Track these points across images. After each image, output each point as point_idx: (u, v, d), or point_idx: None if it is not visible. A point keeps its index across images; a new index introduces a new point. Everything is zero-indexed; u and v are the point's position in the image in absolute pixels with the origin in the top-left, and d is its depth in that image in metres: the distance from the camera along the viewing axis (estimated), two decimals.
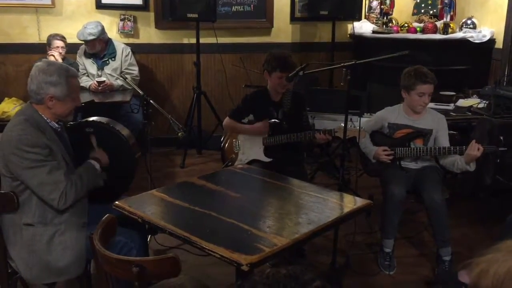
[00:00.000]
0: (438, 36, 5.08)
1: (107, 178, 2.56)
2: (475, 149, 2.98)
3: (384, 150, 3.28)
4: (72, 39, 4.82)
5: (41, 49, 4.75)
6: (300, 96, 3.49)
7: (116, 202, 2.30)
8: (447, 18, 5.25)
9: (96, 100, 4.30)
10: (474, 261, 0.88)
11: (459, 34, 5.03)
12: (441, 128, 3.30)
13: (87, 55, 4.81)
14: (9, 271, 2.40)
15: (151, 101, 3.31)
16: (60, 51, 4.67)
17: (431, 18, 5.37)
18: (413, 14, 5.56)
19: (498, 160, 3.36)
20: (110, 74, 4.79)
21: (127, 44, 5.02)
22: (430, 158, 3.34)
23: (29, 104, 2.39)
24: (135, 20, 5.31)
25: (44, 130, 2.32)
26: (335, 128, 3.11)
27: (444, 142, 3.26)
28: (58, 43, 4.68)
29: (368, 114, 3.99)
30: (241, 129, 3.49)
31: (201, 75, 5.16)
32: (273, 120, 3.38)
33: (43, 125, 2.33)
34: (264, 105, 3.42)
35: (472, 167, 3.10)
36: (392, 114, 3.37)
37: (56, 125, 2.42)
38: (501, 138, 3.17)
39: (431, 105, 3.75)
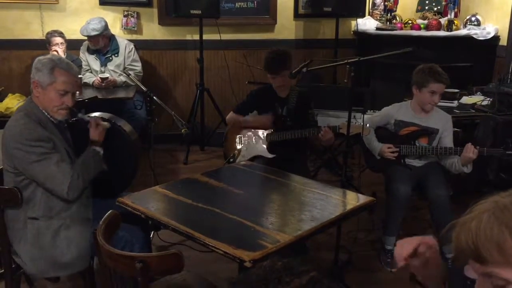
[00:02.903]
0: (442, 33, 5.06)
1: (109, 174, 2.56)
2: (470, 151, 2.98)
3: (389, 148, 3.27)
4: (75, 35, 4.82)
5: (45, 45, 4.75)
6: (307, 95, 3.50)
7: (120, 198, 2.31)
8: (451, 15, 5.23)
9: (99, 96, 4.31)
10: (451, 227, 1.03)
11: (463, 31, 5.01)
12: (447, 129, 3.28)
13: (90, 51, 4.81)
14: (13, 266, 2.41)
15: (154, 97, 3.31)
16: (60, 47, 4.68)
17: (435, 15, 5.35)
18: (417, 11, 5.55)
19: (504, 162, 3.35)
20: (113, 70, 4.79)
21: (130, 40, 5.02)
22: (434, 156, 3.33)
23: (30, 99, 2.39)
24: (138, 17, 5.31)
25: (45, 125, 2.32)
26: (339, 124, 3.11)
27: (448, 142, 3.25)
28: (57, 39, 4.68)
29: (372, 111, 3.98)
30: (244, 122, 3.49)
31: (204, 71, 5.16)
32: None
33: (44, 120, 2.34)
34: (270, 101, 3.43)
35: (468, 169, 3.10)
36: (399, 111, 3.35)
37: (57, 120, 2.42)
38: (509, 141, 3.15)
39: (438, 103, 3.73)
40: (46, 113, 2.36)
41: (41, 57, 2.41)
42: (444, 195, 3.04)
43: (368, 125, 3.12)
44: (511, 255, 0.86)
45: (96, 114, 2.88)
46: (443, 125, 3.29)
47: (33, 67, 2.35)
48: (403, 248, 1.25)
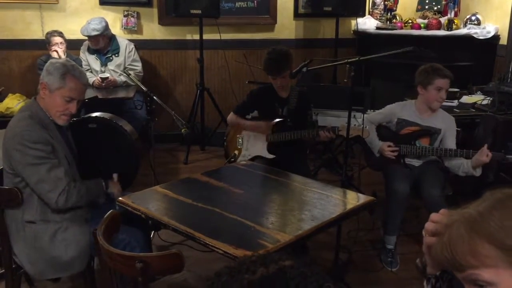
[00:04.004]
0: (442, 32, 5.06)
1: (109, 174, 2.56)
2: (484, 154, 2.94)
3: (389, 146, 3.27)
4: (76, 35, 4.83)
5: (45, 45, 4.76)
6: (306, 95, 3.50)
7: (120, 198, 2.31)
8: (451, 14, 5.23)
9: (99, 96, 4.31)
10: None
11: (463, 31, 5.01)
12: (449, 129, 3.27)
13: (91, 51, 4.81)
14: (13, 266, 2.41)
15: (154, 97, 3.31)
16: (60, 47, 4.68)
17: (435, 14, 5.35)
18: (417, 10, 5.54)
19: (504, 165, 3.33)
20: (113, 70, 4.79)
21: (130, 40, 5.02)
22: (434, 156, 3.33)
23: (34, 100, 2.39)
24: (138, 16, 5.31)
25: (47, 127, 2.32)
26: (339, 126, 3.11)
27: (451, 143, 3.24)
28: (57, 39, 4.69)
29: (372, 110, 3.98)
30: (244, 125, 3.50)
31: (204, 71, 5.16)
32: (277, 120, 3.39)
33: (47, 122, 2.34)
34: (270, 101, 3.43)
35: (478, 172, 3.07)
36: (403, 110, 3.35)
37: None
38: (510, 144, 3.15)
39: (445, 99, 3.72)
40: (48, 115, 2.36)
41: (53, 60, 2.42)
42: (438, 195, 3.03)
43: (367, 127, 3.11)
44: (485, 256, 0.91)
45: (97, 114, 2.88)
46: (446, 126, 3.27)
47: (45, 69, 2.35)
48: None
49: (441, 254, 0.97)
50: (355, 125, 3.03)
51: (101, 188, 2.48)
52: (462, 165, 3.12)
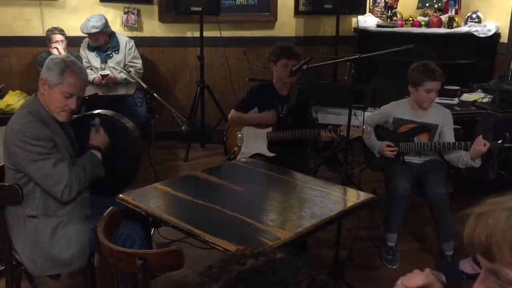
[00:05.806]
0: (442, 30, 5.06)
1: (110, 171, 2.56)
2: (481, 144, 2.96)
3: (388, 146, 3.27)
4: (76, 32, 4.82)
5: (45, 42, 4.75)
6: (306, 93, 3.49)
7: (120, 195, 2.31)
8: (452, 12, 5.22)
9: (99, 94, 4.31)
10: (465, 216, 0.95)
11: (464, 28, 5.01)
12: (446, 123, 3.29)
13: (91, 48, 4.80)
14: (14, 263, 2.41)
15: (154, 94, 3.31)
16: (61, 44, 4.67)
17: (435, 12, 5.34)
18: (418, 8, 5.54)
19: (503, 156, 3.35)
20: (113, 67, 4.79)
21: (130, 37, 5.02)
22: (433, 153, 3.33)
23: (34, 97, 2.39)
24: (138, 13, 5.30)
25: (48, 123, 2.32)
26: (340, 126, 3.11)
27: (449, 137, 3.25)
28: (58, 37, 4.68)
29: (372, 108, 3.97)
30: (248, 119, 3.48)
31: (204, 68, 5.16)
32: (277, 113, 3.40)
33: (47, 118, 2.34)
34: (270, 98, 3.42)
35: (477, 163, 3.08)
36: (398, 109, 3.36)
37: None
38: (507, 134, 3.16)
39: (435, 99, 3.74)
40: (49, 111, 2.36)
41: (53, 56, 2.43)
42: (443, 193, 3.04)
43: (368, 128, 3.11)
44: None
45: (99, 111, 2.88)
46: (442, 120, 3.28)
47: (45, 65, 2.36)
48: (411, 281, 1.19)
49: (478, 237, 0.88)
50: (356, 126, 3.03)
51: (96, 160, 2.49)
52: (461, 157, 3.13)
